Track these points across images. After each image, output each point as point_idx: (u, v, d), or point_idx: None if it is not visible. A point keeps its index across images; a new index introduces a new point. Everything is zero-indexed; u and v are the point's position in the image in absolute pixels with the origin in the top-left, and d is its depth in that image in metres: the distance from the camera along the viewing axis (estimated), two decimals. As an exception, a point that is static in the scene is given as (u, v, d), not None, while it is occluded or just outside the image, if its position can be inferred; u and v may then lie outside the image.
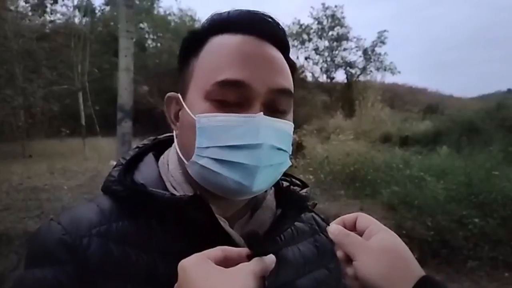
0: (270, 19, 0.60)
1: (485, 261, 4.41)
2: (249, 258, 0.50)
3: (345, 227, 0.57)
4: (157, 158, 0.67)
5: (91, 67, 13.70)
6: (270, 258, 0.50)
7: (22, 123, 12.00)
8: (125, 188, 0.59)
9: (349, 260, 0.54)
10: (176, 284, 0.46)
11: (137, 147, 0.69)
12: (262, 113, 0.55)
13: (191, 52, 0.62)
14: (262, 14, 0.60)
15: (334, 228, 0.57)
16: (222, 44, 0.58)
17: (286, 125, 0.60)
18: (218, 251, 0.49)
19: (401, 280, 0.49)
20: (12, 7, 12.29)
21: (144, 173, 0.63)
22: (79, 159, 9.91)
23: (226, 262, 0.48)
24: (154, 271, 0.55)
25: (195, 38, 0.62)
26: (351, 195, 6.34)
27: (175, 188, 0.61)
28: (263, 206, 0.66)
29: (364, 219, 0.57)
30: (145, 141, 0.71)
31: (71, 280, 0.52)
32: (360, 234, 0.55)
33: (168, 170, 0.64)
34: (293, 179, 0.74)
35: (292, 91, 0.61)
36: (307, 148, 9.33)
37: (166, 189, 0.61)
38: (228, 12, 0.61)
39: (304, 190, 0.71)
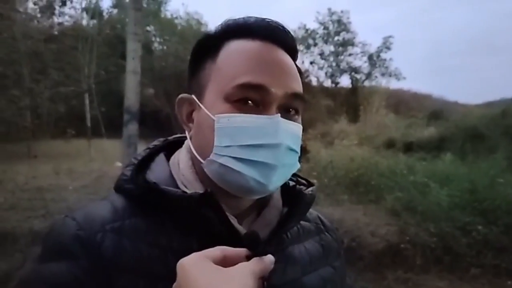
0: (281, 27, 0.64)
1: (488, 268, 4.38)
2: (248, 258, 0.50)
3: None
4: (167, 159, 0.69)
5: (98, 69, 13.79)
6: (269, 258, 0.51)
7: (28, 123, 12.05)
8: (138, 187, 0.61)
9: None
10: (175, 283, 0.47)
11: (148, 148, 0.71)
12: (279, 114, 0.58)
13: (206, 55, 0.64)
14: (275, 22, 0.64)
15: None
16: (241, 49, 0.61)
17: (297, 127, 0.62)
18: (217, 251, 0.49)
19: None
20: (21, 9, 12.42)
21: (156, 172, 0.65)
22: (84, 160, 9.95)
23: (225, 262, 0.48)
24: (166, 266, 0.55)
25: (210, 41, 0.64)
26: (355, 200, 6.31)
27: (186, 187, 0.63)
28: (270, 204, 0.68)
29: None
30: (156, 142, 0.73)
31: (86, 274, 0.53)
32: None
33: (179, 169, 0.65)
34: (299, 179, 0.76)
35: (303, 95, 0.64)
36: (311, 152, 9.32)
37: (177, 187, 0.62)
38: (244, 18, 0.64)
39: (310, 189, 0.72)
